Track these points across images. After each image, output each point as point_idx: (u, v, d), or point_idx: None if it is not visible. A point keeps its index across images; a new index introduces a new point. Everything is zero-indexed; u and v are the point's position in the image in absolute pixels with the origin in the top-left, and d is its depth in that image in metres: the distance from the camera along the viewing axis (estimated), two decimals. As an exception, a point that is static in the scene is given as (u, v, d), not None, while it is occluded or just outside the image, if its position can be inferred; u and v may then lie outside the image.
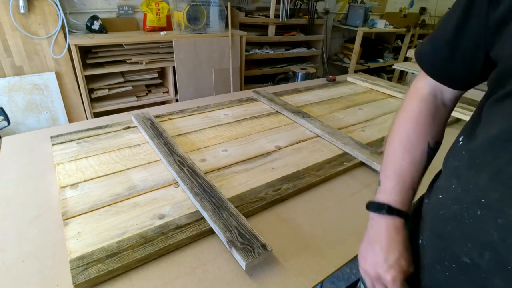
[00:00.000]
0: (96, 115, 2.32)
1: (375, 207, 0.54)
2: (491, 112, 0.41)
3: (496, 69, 0.41)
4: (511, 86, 0.37)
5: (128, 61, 2.34)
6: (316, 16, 3.50)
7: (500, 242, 0.36)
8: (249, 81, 3.27)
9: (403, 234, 0.51)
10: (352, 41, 3.90)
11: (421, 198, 0.56)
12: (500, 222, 0.36)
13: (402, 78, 4.43)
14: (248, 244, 0.63)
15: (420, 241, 0.49)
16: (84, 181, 0.83)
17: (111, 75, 2.38)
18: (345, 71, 3.98)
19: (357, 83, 1.82)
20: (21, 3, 1.89)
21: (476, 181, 0.39)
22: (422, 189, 0.56)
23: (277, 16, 3.12)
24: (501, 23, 0.39)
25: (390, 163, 0.56)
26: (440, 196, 0.45)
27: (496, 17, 0.39)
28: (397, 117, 0.57)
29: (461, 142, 0.46)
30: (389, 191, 0.54)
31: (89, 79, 2.26)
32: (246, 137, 1.12)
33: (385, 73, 4.54)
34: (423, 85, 0.55)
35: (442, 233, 0.44)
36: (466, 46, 0.45)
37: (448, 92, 0.53)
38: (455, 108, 1.44)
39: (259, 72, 3.28)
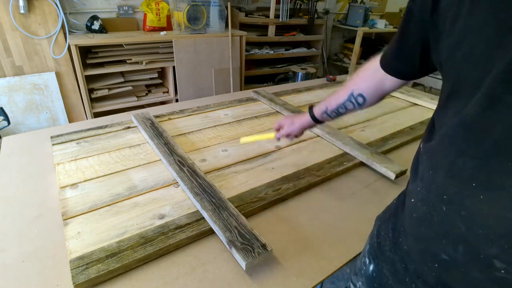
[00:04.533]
0: (96, 115, 2.32)
1: (309, 107, 0.82)
2: (440, 116, 0.45)
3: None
4: (450, 88, 0.41)
5: (128, 61, 2.34)
6: (316, 16, 3.50)
7: (468, 233, 0.38)
8: (249, 81, 3.27)
9: (306, 121, 0.83)
10: (352, 41, 3.90)
11: (399, 202, 0.58)
12: (463, 214, 0.39)
13: (402, 78, 4.42)
14: (248, 244, 0.63)
15: (402, 245, 0.51)
16: (84, 181, 0.83)
17: (111, 75, 2.38)
18: (345, 71, 3.98)
19: (357, 83, 1.82)
20: (21, 3, 1.89)
21: (435, 180, 0.42)
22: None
23: (277, 16, 3.12)
24: (440, 28, 0.42)
25: (332, 93, 0.77)
26: (412, 200, 0.49)
27: (434, 21, 0.43)
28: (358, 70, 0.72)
29: (421, 148, 0.50)
30: (321, 101, 0.78)
31: (89, 79, 2.26)
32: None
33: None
34: (376, 63, 0.64)
35: (419, 234, 0.46)
36: (406, 48, 0.53)
37: (388, 81, 0.63)
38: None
39: (259, 72, 3.28)
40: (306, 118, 0.82)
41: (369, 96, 0.67)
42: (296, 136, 0.88)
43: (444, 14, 0.41)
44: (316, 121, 0.80)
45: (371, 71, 0.65)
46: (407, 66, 0.56)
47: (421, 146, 0.51)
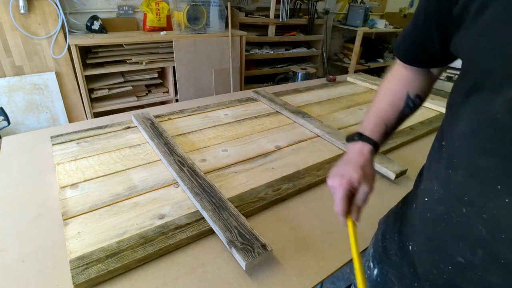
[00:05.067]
0: (96, 115, 2.32)
1: (350, 136, 0.61)
2: (458, 111, 0.42)
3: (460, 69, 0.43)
4: (473, 82, 0.38)
5: (128, 61, 2.34)
6: (316, 16, 3.50)
7: (490, 237, 0.36)
8: (249, 81, 3.27)
9: (366, 157, 0.56)
10: (352, 41, 3.90)
11: (405, 204, 0.57)
12: (485, 217, 0.36)
13: (402, 78, 4.42)
14: (248, 244, 0.63)
15: (410, 248, 0.49)
16: (84, 181, 0.83)
17: (111, 75, 2.38)
18: (345, 71, 3.98)
19: (357, 83, 1.82)
20: (21, 3, 1.89)
21: (456, 180, 0.40)
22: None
23: (277, 16, 3.12)
24: (459, 21, 0.40)
25: (372, 105, 0.62)
26: (426, 199, 0.46)
27: (454, 14, 0.41)
28: (385, 77, 0.63)
29: (436, 145, 0.48)
30: (363, 124, 0.60)
31: (89, 79, 2.26)
32: (246, 137, 1.12)
33: (385, 73, 4.53)
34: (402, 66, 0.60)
35: (432, 235, 0.44)
36: (424, 38, 0.49)
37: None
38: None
39: (259, 72, 3.28)
40: (366, 154, 0.57)
41: (424, 91, 0.59)
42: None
43: (467, 2, 0.38)
44: (377, 149, 0.59)
45: (404, 68, 0.59)
46: (427, 58, 0.52)
47: (435, 143, 0.49)
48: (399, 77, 0.60)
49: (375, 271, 0.59)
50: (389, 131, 0.60)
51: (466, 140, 0.39)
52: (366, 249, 0.70)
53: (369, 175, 0.55)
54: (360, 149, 0.57)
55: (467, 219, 0.38)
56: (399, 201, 0.61)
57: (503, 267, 0.35)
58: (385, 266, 0.56)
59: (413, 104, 0.59)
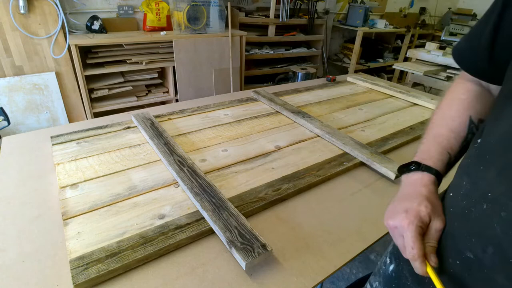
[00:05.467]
0: (96, 115, 2.32)
1: (403, 166, 0.53)
2: (501, 109, 0.41)
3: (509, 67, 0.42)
4: None
5: (128, 61, 2.34)
6: (316, 16, 3.50)
7: (503, 235, 0.36)
8: (249, 81, 3.27)
9: (430, 189, 0.48)
10: (352, 41, 3.90)
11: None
12: (503, 216, 0.36)
13: (402, 78, 4.43)
14: (248, 244, 0.63)
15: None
16: (84, 181, 0.83)
17: (111, 75, 2.38)
18: (345, 71, 3.98)
19: (357, 83, 1.82)
20: (21, 3, 1.89)
21: (485, 176, 0.40)
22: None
23: (277, 16, 3.12)
24: None
25: (428, 133, 0.55)
26: (451, 194, 0.46)
27: None
28: (442, 99, 0.58)
29: (472, 142, 0.47)
30: (421, 152, 0.53)
31: (89, 79, 2.26)
32: (246, 137, 1.12)
33: (385, 73, 4.54)
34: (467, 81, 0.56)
35: (449, 230, 0.44)
36: (501, 48, 0.46)
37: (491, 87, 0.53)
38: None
39: (259, 72, 3.28)
40: (429, 185, 0.49)
41: (486, 116, 0.52)
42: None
43: None
44: (440, 181, 0.52)
45: (471, 84, 0.54)
46: (500, 70, 0.46)
47: (472, 140, 0.48)
48: (459, 98, 0.55)
49: (391, 267, 0.59)
50: (452, 161, 0.52)
51: (504, 139, 0.38)
52: (368, 247, 0.70)
53: (438, 207, 0.47)
54: (420, 180, 0.50)
55: (485, 216, 0.38)
56: None
57: (511, 268, 0.35)
58: (401, 262, 0.56)
59: (476, 128, 0.52)
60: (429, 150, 0.52)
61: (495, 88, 0.53)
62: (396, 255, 0.58)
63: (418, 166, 0.51)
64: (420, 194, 0.48)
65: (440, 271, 0.45)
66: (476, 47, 0.50)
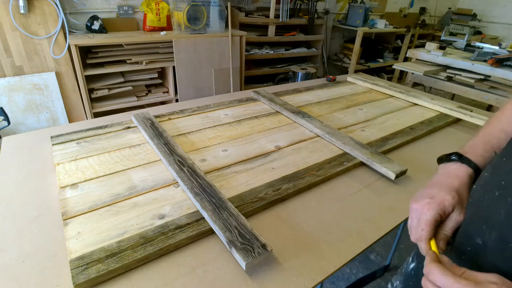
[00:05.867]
0: (96, 115, 2.32)
1: (445, 156, 0.53)
2: None
3: None
4: None
5: (128, 61, 2.34)
6: (316, 16, 3.50)
7: (505, 221, 0.37)
8: (249, 81, 3.27)
9: (464, 181, 0.48)
10: (352, 41, 3.91)
11: None
12: (509, 201, 0.37)
13: (402, 78, 4.43)
14: (248, 244, 0.63)
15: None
16: (84, 181, 0.83)
17: (111, 75, 2.38)
18: (345, 71, 3.98)
19: (357, 83, 1.82)
20: (21, 3, 1.90)
21: (503, 166, 0.41)
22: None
23: (277, 16, 3.12)
24: None
25: (481, 130, 0.55)
26: (474, 186, 0.46)
27: None
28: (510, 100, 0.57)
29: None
30: (467, 146, 0.53)
31: (89, 79, 2.26)
32: (246, 137, 1.12)
33: (385, 73, 4.54)
34: None
35: (466, 217, 0.45)
36: None
37: None
38: (455, 108, 1.44)
39: (259, 72, 3.28)
40: (463, 178, 0.49)
41: None
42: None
43: None
44: (476, 169, 0.50)
45: None
46: None
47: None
48: None
49: (412, 265, 0.60)
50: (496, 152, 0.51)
51: None
52: (368, 247, 0.70)
53: (465, 201, 0.47)
54: (456, 170, 0.50)
55: (495, 203, 0.39)
56: None
57: (509, 252, 0.36)
58: (422, 261, 0.56)
59: None
60: (475, 145, 0.52)
61: None
62: (419, 254, 0.59)
63: (459, 157, 0.51)
64: (451, 184, 0.47)
65: (453, 257, 0.44)
66: None
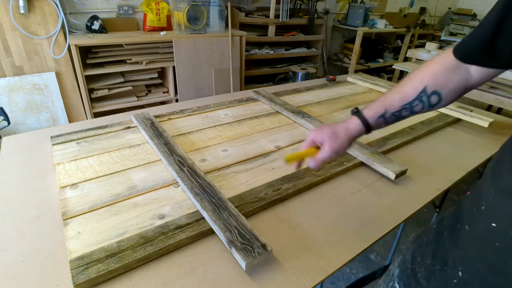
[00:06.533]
0: (96, 115, 2.32)
1: (352, 111, 0.65)
2: None
3: None
4: None
5: (128, 61, 2.34)
6: (316, 16, 3.50)
7: None
8: (249, 81, 3.27)
9: (349, 128, 0.63)
10: (352, 41, 3.90)
11: (440, 230, 0.52)
12: None
13: (402, 78, 4.43)
14: (248, 244, 0.63)
15: (460, 273, 0.44)
16: (84, 181, 0.83)
17: (111, 75, 2.38)
18: (345, 71, 3.98)
19: (357, 83, 1.82)
20: (21, 3, 1.89)
21: None
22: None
23: (277, 16, 3.12)
24: None
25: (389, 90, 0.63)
26: (494, 225, 0.41)
27: None
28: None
29: (506, 146, 0.45)
30: (369, 106, 0.63)
31: (89, 79, 2.26)
32: (246, 137, 1.12)
33: (385, 73, 4.54)
34: (448, 55, 0.55)
35: (500, 267, 0.39)
36: (502, 45, 0.46)
37: (475, 73, 0.52)
38: (455, 108, 1.44)
39: (259, 72, 3.28)
40: (353, 126, 0.62)
41: (448, 94, 0.54)
42: (339, 154, 0.64)
43: None
44: (368, 128, 0.62)
45: (451, 62, 0.53)
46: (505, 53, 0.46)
47: (506, 143, 0.46)
48: (427, 66, 0.56)
49: (396, 271, 0.57)
50: (387, 117, 0.60)
51: None
52: (368, 247, 0.70)
53: (348, 144, 0.63)
54: (347, 122, 0.64)
55: None
56: (433, 222, 0.56)
57: None
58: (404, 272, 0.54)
59: (427, 100, 0.55)
60: (374, 103, 0.62)
61: (475, 72, 0.52)
62: (406, 281, 0.54)
63: (356, 112, 0.63)
64: (347, 130, 0.63)
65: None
66: (477, 37, 0.50)
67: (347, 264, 0.66)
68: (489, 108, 2.87)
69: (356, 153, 1.00)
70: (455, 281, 0.44)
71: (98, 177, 0.85)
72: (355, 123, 0.62)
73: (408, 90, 0.57)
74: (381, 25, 3.93)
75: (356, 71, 3.61)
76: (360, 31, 3.68)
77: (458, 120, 1.38)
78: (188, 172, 0.84)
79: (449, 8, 5.29)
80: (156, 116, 1.21)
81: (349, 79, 1.88)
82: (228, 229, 0.66)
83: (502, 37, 0.46)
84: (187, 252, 0.65)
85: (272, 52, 3.29)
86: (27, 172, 0.88)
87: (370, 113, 0.61)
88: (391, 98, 0.59)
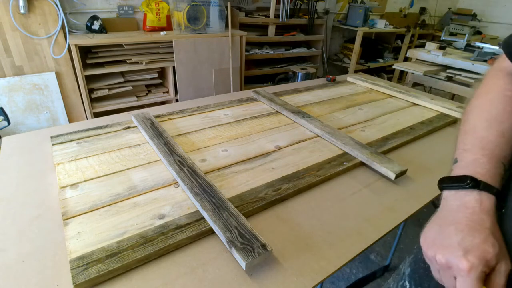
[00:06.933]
0: (96, 115, 2.32)
1: (452, 181, 0.42)
2: None
3: None
4: None
5: (128, 61, 2.34)
6: (316, 16, 3.50)
7: None
8: (249, 81, 3.27)
9: (493, 217, 0.38)
10: (352, 41, 3.91)
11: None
12: None
13: (402, 78, 4.43)
14: (248, 244, 0.63)
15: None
16: (84, 181, 0.83)
17: (111, 75, 2.38)
18: (345, 71, 3.98)
19: (357, 83, 1.82)
20: (21, 3, 1.90)
21: None
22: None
23: (277, 16, 3.12)
24: None
25: (469, 138, 0.45)
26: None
27: None
28: (476, 96, 0.50)
29: None
30: (471, 164, 0.42)
31: (89, 79, 2.26)
32: (246, 137, 1.12)
33: (385, 73, 4.54)
34: (507, 64, 0.48)
35: None
36: None
37: None
38: (455, 108, 1.44)
39: (259, 72, 3.28)
40: (492, 213, 0.39)
41: None
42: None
43: None
44: (497, 194, 0.41)
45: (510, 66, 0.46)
46: None
47: None
48: (505, 95, 0.45)
49: (408, 270, 0.55)
50: (504, 174, 0.42)
51: None
52: (368, 247, 0.70)
53: (502, 242, 0.38)
54: (479, 203, 0.39)
55: None
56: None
57: None
58: (418, 269, 0.51)
59: None
60: (480, 161, 0.42)
61: None
62: (418, 281, 0.49)
63: (475, 183, 0.40)
64: (483, 227, 0.37)
65: None
66: None
67: (347, 264, 0.66)
68: (489, 108, 2.86)
69: (356, 153, 1.00)
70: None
71: (98, 177, 0.85)
72: (492, 205, 0.40)
73: (507, 127, 0.44)
74: (381, 25, 3.93)
75: (356, 71, 3.61)
76: (360, 31, 3.68)
77: (458, 120, 1.38)
78: (188, 172, 0.84)
79: (449, 8, 5.30)
80: (156, 116, 1.21)
81: (349, 79, 1.88)
82: (228, 229, 0.66)
83: None
84: (187, 252, 0.65)
85: (272, 52, 3.29)
86: (27, 172, 0.88)
87: (492, 178, 0.41)
88: (499, 147, 0.43)
